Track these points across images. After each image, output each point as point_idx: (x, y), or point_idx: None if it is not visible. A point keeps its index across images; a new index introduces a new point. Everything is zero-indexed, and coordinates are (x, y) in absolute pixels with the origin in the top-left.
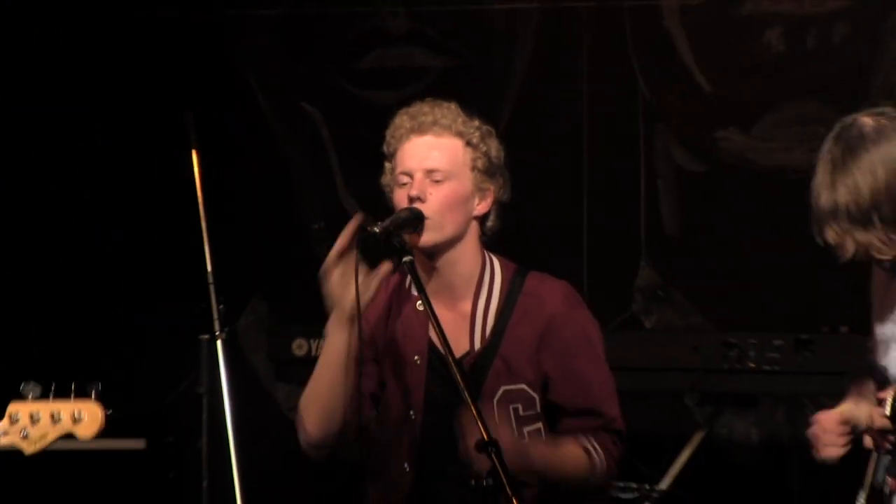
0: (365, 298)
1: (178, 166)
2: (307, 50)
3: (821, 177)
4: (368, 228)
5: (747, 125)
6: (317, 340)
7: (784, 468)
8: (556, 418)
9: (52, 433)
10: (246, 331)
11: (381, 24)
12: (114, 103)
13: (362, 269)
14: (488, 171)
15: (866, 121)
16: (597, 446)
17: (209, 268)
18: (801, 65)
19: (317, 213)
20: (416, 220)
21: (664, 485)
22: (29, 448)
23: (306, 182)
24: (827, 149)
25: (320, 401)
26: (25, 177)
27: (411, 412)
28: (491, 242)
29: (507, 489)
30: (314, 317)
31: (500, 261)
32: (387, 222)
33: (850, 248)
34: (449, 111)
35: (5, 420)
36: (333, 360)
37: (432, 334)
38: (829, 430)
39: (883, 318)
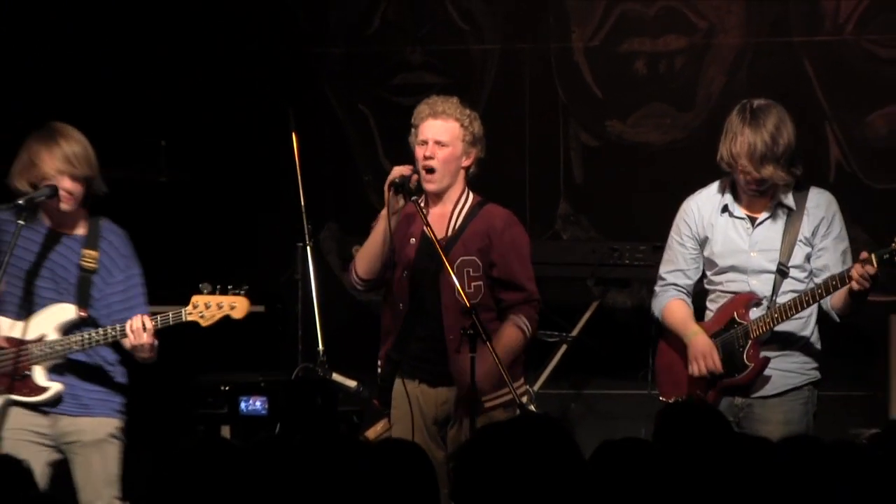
0: (395, 209)
1: (284, 142)
2: (361, 72)
3: (747, 137)
4: (398, 180)
5: (624, 118)
6: None
7: (645, 322)
8: (500, 291)
9: (219, 314)
10: (324, 240)
11: (406, 57)
12: (251, 104)
13: (395, 198)
14: (472, 142)
15: (758, 101)
16: (526, 320)
17: (302, 202)
18: (655, 82)
19: (366, 170)
20: (406, 181)
21: (574, 332)
22: (204, 323)
23: (360, 151)
24: (738, 120)
25: (369, 256)
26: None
27: (405, 272)
28: (477, 186)
29: (483, 335)
30: (364, 233)
31: (473, 194)
32: (396, 181)
33: (768, 179)
34: (452, 104)
35: (189, 306)
36: (379, 236)
37: (425, 228)
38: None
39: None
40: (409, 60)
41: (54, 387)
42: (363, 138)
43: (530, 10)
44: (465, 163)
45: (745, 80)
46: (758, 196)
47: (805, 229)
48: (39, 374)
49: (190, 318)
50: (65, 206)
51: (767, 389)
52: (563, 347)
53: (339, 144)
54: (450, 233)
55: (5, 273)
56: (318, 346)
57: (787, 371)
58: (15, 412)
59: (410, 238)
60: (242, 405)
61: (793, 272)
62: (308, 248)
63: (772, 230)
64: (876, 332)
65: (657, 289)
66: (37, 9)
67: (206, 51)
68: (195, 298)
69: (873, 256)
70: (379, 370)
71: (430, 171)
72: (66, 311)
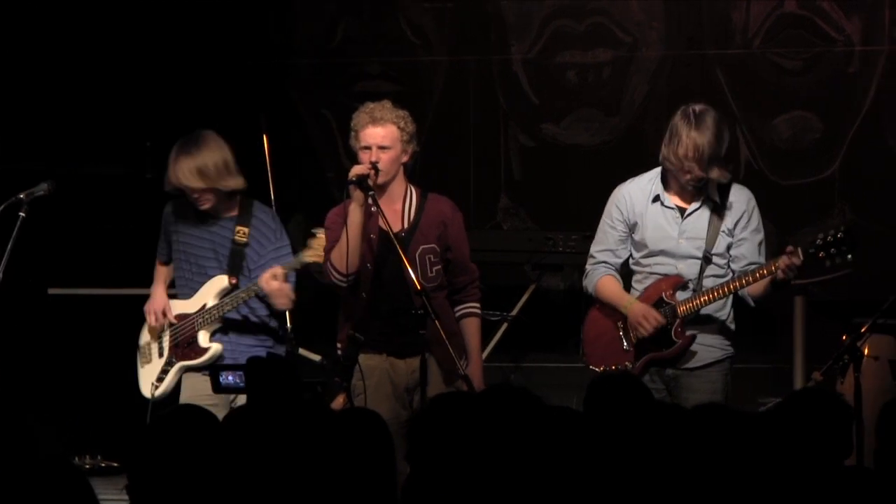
0: (360, 203)
1: (256, 143)
2: (325, 81)
3: (694, 139)
4: (357, 177)
5: (558, 121)
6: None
7: (577, 302)
8: (453, 274)
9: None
10: (292, 229)
11: (365, 68)
12: (228, 110)
13: (358, 194)
14: (409, 140)
15: (698, 106)
16: (476, 304)
17: (272, 196)
18: (585, 90)
19: (329, 168)
20: (365, 179)
21: (514, 312)
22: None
23: (324, 151)
24: (683, 124)
25: (346, 252)
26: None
27: (368, 265)
28: (427, 182)
29: (432, 314)
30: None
31: (415, 187)
32: (356, 178)
33: (713, 178)
34: (387, 109)
35: (308, 249)
36: (354, 230)
37: (381, 223)
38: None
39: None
40: (368, 71)
41: (214, 347)
42: (326, 140)
43: (474, 26)
44: (404, 159)
45: (664, 89)
46: (695, 190)
47: (728, 221)
48: (202, 338)
49: (309, 260)
50: (204, 206)
51: (693, 362)
52: (504, 326)
53: (305, 145)
54: (406, 225)
55: (174, 258)
56: (286, 324)
57: (709, 346)
58: (193, 379)
59: (370, 234)
60: (221, 379)
61: (715, 259)
62: None
63: (699, 220)
64: (783, 312)
65: (588, 266)
66: (33, 19)
67: (188, 63)
68: (311, 241)
69: (799, 250)
70: (339, 352)
71: (377, 171)
72: (221, 281)
